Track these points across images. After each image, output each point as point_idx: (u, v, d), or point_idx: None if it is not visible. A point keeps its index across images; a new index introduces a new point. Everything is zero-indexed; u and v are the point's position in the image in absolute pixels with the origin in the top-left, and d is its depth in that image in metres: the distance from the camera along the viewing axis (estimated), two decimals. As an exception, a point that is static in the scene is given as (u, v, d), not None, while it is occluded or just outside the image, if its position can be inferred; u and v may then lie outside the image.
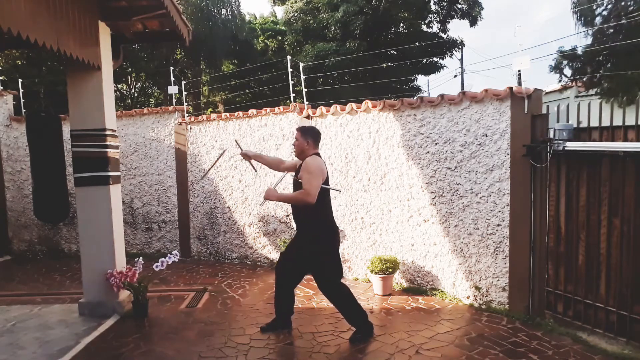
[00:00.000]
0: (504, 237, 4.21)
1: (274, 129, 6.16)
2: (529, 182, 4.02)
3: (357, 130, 5.35)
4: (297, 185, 3.55)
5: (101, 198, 4.26)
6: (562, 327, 3.77)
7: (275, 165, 4.06)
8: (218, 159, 4.60)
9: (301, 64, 6.85)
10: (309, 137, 3.64)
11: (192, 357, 3.44)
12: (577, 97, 13.69)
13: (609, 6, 10.80)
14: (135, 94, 15.72)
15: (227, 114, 6.66)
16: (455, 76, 19.70)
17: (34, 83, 10.69)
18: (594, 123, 3.69)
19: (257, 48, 16.86)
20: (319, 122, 5.73)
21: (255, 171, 4.16)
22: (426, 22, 15.72)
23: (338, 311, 3.81)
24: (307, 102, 6.05)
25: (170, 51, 14.45)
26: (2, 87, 7.55)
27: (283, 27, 16.38)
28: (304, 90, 6.25)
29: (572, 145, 3.61)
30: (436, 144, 4.66)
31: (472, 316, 4.19)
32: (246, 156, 4.04)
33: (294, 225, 3.86)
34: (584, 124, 3.91)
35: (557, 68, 12.19)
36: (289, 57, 6.61)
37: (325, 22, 13.78)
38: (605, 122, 3.55)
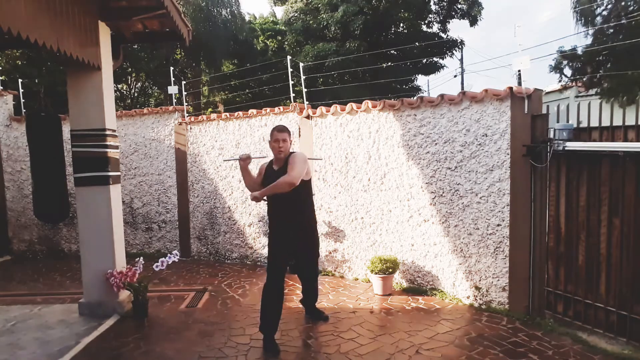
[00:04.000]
0: (504, 237, 4.21)
1: (274, 129, 6.15)
2: (529, 182, 4.02)
3: (357, 130, 5.35)
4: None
5: (101, 198, 4.27)
6: (562, 327, 3.77)
7: (254, 183, 3.75)
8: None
9: (301, 64, 6.85)
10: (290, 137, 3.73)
11: (192, 357, 3.44)
12: (577, 97, 13.70)
13: (609, 6, 10.80)
14: (135, 94, 15.72)
15: (227, 114, 6.66)
16: (455, 76, 19.74)
17: (34, 83, 10.69)
18: (594, 123, 3.69)
19: (257, 48, 16.85)
20: (319, 122, 5.73)
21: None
22: (426, 22, 15.71)
23: (311, 291, 4.16)
24: (307, 102, 6.05)
25: (170, 51, 14.44)
26: (2, 87, 7.55)
27: (283, 27, 16.39)
28: (304, 90, 6.25)
29: (572, 145, 3.61)
30: (436, 144, 4.66)
31: (472, 316, 4.19)
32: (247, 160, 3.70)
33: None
34: (584, 124, 3.91)
35: (557, 68, 12.20)
36: (289, 57, 6.61)
37: (325, 22, 13.77)
38: (605, 122, 3.55)
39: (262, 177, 3.71)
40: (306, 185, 3.66)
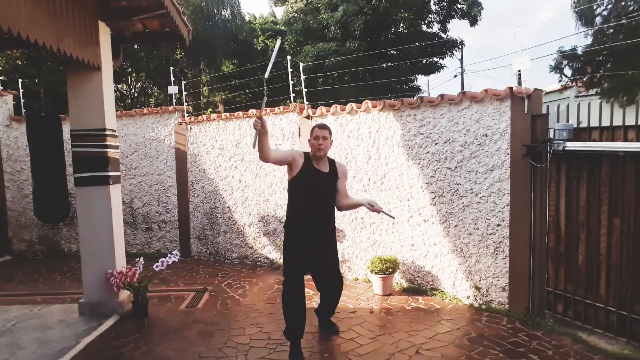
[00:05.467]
0: (504, 237, 4.21)
1: (274, 129, 6.16)
2: (529, 182, 4.02)
3: (357, 130, 5.35)
4: (330, 184, 3.44)
5: (101, 198, 4.27)
6: (562, 327, 3.77)
7: (266, 154, 3.21)
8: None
9: (301, 64, 6.86)
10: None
11: (192, 357, 3.44)
12: (577, 97, 13.69)
13: (609, 6, 10.80)
14: (135, 94, 15.71)
15: (227, 114, 6.66)
16: (455, 76, 19.74)
17: (34, 83, 10.69)
18: (594, 123, 3.69)
19: (257, 48, 16.85)
20: (319, 122, 5.73)
21: (254, 147, 3.26)
22: (426, 22, 15.71)
23: (333, 306, 3.89)
24: (307, 102, 6.05)
25: (170, 51, 14.44)
26: (2, 87, 7.55)
27: (283, 27, 16.39)
28: (304, 90, 6.25)
29: (572, 145, 3.61)
30: (436, 144, 4.66)
31: (472, 316, 4.19)
32: (262, 125, 3.10)
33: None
34: (584, 124, 3.91)
35: (557, 68, 12.20)
36: (289, 57, 6.61)
37: (325, 22, 13.77)
38: (605, 122, 3.55)
39: (299, 172, 3.34)
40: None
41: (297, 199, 3.43)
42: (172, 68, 7.84)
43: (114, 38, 4.50)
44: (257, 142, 3.18)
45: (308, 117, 5.81)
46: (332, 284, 3.71)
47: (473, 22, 15.23)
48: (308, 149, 3.47)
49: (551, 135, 3.76)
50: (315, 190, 3.38)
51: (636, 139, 3.35)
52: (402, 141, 4.94)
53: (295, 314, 3.36)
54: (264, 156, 3.23)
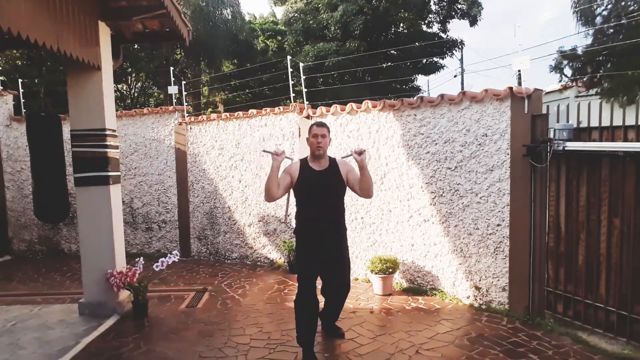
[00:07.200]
0: (504, 237, 4.21)
1: (274, 129, 6.16)
2: (529, 182, 4.02)
3: (357, 130, 5.35)
4: (332, 182, 3.34)
5: (101, 198, 4.27)
6: (562, 327, 3.77)
7: (277, 185, 3.26)
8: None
9: (301, 64, 6.86)
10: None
11: (192, 357, 3.44)
12: (577, 97, 13.67)
13: (609, 6, 10.80)
14: (135, 94, 15.70)
15: (227, 114, 6.67)
16: (455, 76, 19.74)
17: (34, 83, 10.69)
18: (594, 123, 3.69)
19: (257, 48, 16.85)
20: (317, 121, 5.72)
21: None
22: (426, 22, 15.71)
23: (337, 309, 3.77)
24: (307, 102, 6.05)
25: (170, 51, 14.45)
26: (2, 87, 7.56)
27: (283, 27, 16.38)
28: (304, 90, 6.25)
29: (572, 145, 3.61)
30: (436, 144, 4.66)
31: (472, 316, 4.19)
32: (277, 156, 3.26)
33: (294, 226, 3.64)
34: (584, 124, 3.91)
35: (557, 68, 12.19)
36: (289, 57, 6.61)
37: (325, 22, 13.77)
38: (605, 122, 3.55)
39: (298, 179, 3.32)
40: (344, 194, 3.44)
41: (302, 203, 3.39)
42: (172, 68, 7.84)
43: (114, 38, 4.50)
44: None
45: (308, 117, 5.81)
46: (337, 287, 3.58)
47: (473, 22, 15.23)
48: (307, 150, 3.44)
49: (551, 135, 3.76)
50: (318, 192, 3.31)
51: (636, 139, 3.35)
52: (402, 141, 4.94)
53: (307, 321, 3.29)
54: (272, 198, 3.26)
